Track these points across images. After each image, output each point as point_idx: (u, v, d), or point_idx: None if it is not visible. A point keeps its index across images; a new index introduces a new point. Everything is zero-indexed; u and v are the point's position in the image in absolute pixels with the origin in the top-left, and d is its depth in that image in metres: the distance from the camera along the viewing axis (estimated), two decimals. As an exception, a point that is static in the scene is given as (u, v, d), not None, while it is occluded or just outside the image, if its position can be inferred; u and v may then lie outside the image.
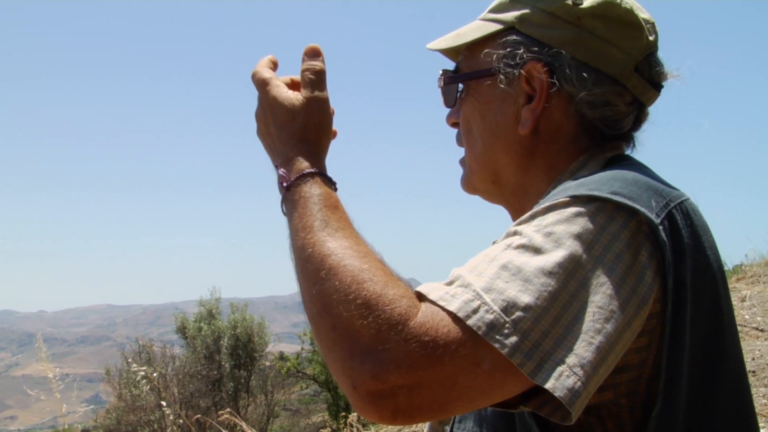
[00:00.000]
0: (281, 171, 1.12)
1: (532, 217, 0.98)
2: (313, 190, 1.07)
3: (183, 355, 18.83)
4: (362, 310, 0.88)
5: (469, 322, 0.85)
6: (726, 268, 9.37)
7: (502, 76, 1.19)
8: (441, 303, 0.88)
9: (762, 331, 6.01)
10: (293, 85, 1.22)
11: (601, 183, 0.99)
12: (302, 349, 23.71)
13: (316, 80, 1.16)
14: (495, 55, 1.20)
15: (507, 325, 0.85)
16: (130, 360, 16.03)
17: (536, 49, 1.17)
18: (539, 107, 1.18)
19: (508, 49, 1.19)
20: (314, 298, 0.94)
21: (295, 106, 1.14)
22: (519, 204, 1.26)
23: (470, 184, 1.32)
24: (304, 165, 1.11)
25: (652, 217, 0.96)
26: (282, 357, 24.12)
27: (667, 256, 0.95)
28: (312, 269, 0.96)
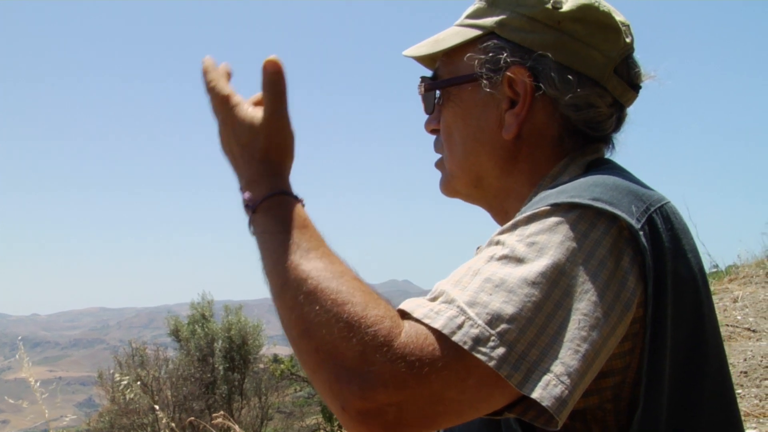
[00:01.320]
0: (246, 195, 1.08)
1: (514, 226, 0.98)
2: (280, 211, 1.04)
3: (176, 358, 18.76)
4: (345, 333, 0.87)
5: (455, 338, 0.85)
6: (719, 268, 9.41)
7: (485, 81, 1.19)
8: (426, 321, 0.88)
9: (754, 331, 6.02)
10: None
11: (582, 189, 0.99)
12: (296, 351, 23.61)
13: (277, 99, 1.10)
14: (477, 60, 1.19)
15: (492, 337, 0.85)
16: (111, 370, 15.98)
17: (518, 53, 1.17)
18: (523, 111, 1.18)
19: (490, 54, 1.18)
20: (294, 323, 0.93)
21: (256, 125, 1.10)
22: (501, 207, 1.27)
23: (451, 187, 1.32)
24: (268, 186, 1.08)
25: (633, 222, 0.96)
26: (276, 359, 24.05)
27: (648, 261, 0.96)
28: (290, 295, 0.94)
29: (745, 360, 5.10)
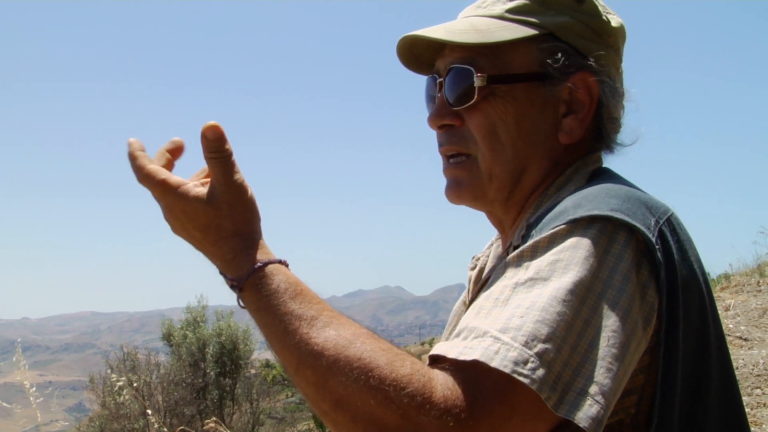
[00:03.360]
0: (229, 277, 1.02)
1: (535, 248, 0.97)
2: (270, 285, 0.98)
3: (168, 363, 18.66)
4: (380, 399, 0.84)
5: (493, 363, 0.84)
6: (710, 277, 9.45)
7: (561, 81, 1.16)
8: (461, 358, 0.86)
9: (746, 340, 6.04)
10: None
11: (599, 201, 0.99)
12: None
13: (227, 167, 1.02)
14: (548, 60, 1.16)
15: (531, 359, 0.84)
16: (109, 371, 15.90)
17: (582, 59, 1.17)
18: (588, 118, 1.18)
19: (562, 57, 1.15)
20: (322, 397, 0.89)
21: (212, 204, 1.02)
22: (515, 215, 1.24)
23: (480, 191, 1.22)
24: (248, 261, 1.01)
25: (650, 236, 0.96)
26: (268, 365, 24.00)
27: (662, 275, 0.95)
28: (310, 371, 0.90)
29: (736, 369, 5.11)
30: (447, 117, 1.22)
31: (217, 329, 19.39)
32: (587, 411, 0.84)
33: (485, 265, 1.38)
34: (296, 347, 0.91)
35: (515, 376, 0.82)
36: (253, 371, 20.37)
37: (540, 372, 0.83)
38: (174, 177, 1.04)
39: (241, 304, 1.01)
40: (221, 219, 1.02)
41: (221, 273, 1.04)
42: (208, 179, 1.06)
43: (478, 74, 1.16)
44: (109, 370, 16.27)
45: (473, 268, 1.41)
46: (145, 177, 1.04)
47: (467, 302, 1.31)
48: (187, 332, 19.20)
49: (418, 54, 1.27)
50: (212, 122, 1.01)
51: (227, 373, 19.01)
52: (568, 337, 0.86)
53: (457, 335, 0.91)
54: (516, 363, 0.83)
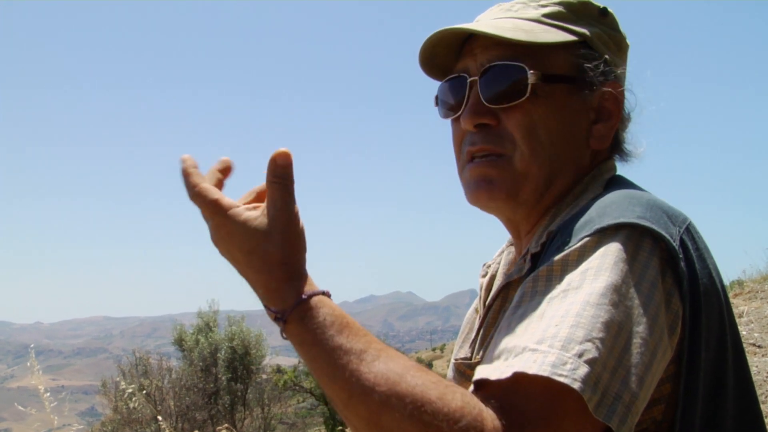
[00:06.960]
0: (272, 308, 0.97)
1: (565, 263, 0.97)
2: (316, 318, 0.94)
3: (179, 368, 18.72)
4: None
5: (531, 371, 0.84)
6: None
7: (596, 89, 1.20)
8: (504, 377, 0.87)
9: (759, 347, 5.99)
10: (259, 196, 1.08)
11: (624, 208, 1.00)
12: (299, 362, 23.60)
13: (288, 195, 0.99)
14: (589, 65, 1.19)
15: (570, 360, 0.84)
16: (118, 378, 15.96)
17: (613, 69, 1.21)
18: (616, 126, 1.22)
19: (600, 65, 1.19)
20: (376, 430, 0.88)
21: (262, 229, 0.98)
22: (536, 220, 1.23)
23: (513, 190, 1.19)
24: (293, 293, 0.96)
25: (675, 245, 0.97)
26: (279, 370, 24.05)
27: (685, 284, 0.97)
28: (362, 406, 0.88)
29: (750, 376, 5.06)
30: (485, 116, 1.19)
31: (228, 334, 19.45)
32: (622, 418, 0.84)
33: (496, 272, 1.38)
34: (347, 382, 0.89)
35: (555, 378, 0.82)
36: (264, 376, 20.40)
37: (580, 371, 0.83)
38: (226, 198, 1.01)
39: (284, 336, 0.97)
40: (269, 245, 0.97)
41: (264, 304, 1.00)
42: (258, 204, 1.04)
43: (532, 71, 1.15)
44: (118, 378, 16.33)
45: (484, 276, 1.41)
46: (196, 195, 1.00)
47: (479, 309, 1.31)
48: (199, 337, 19.26)
49: (434, 54, 1.27)
50: (284, 149, 0.99)
51: (239, 378, 19.05)
52: (605, 339, 0.86)
53: (498, 357, 0.91)
54: (554, 366, 0.83)
